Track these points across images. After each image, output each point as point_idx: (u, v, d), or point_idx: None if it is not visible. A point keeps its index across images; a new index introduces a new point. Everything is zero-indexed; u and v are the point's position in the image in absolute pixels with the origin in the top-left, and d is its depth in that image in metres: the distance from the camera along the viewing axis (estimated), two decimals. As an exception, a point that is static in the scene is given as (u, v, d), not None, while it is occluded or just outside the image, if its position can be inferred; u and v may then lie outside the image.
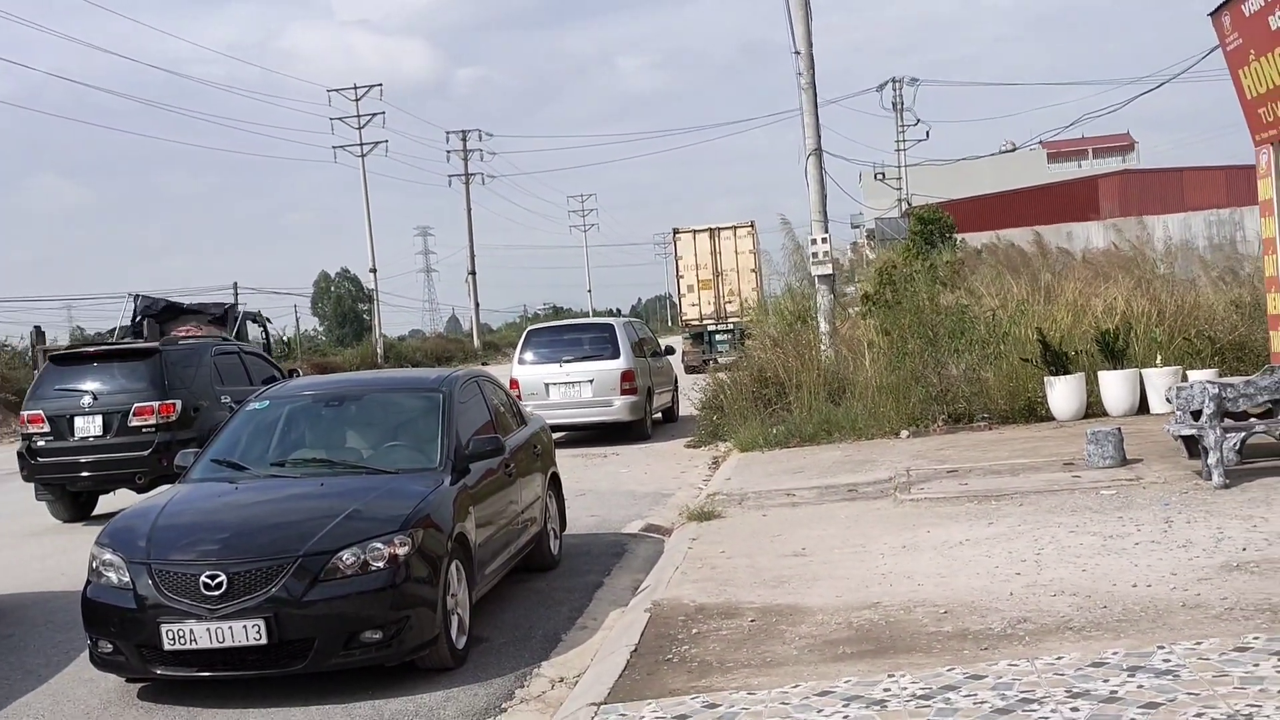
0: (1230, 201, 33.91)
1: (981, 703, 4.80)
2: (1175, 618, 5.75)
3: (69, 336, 37.61)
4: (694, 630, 6.38)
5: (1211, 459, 8.99)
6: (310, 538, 6.26)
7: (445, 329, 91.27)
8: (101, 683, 6.71)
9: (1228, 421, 9.21)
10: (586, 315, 67.40)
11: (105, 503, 13.35)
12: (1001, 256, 22.87)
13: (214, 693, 6.32)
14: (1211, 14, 11.47)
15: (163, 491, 7.75)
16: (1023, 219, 35.17)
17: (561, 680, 6.34)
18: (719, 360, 26.32)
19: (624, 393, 17.27)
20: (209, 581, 6.09)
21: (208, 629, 6.02)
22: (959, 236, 28.42)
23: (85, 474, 12.77)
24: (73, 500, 13.20)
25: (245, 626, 5.99)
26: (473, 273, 66.71)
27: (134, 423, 12.64)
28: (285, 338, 42.53)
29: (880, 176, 57.26)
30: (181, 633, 6.05)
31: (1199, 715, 4.43)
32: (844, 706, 4.94)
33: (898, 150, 55.20)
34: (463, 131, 67.57)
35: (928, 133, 56.71)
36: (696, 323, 31.64)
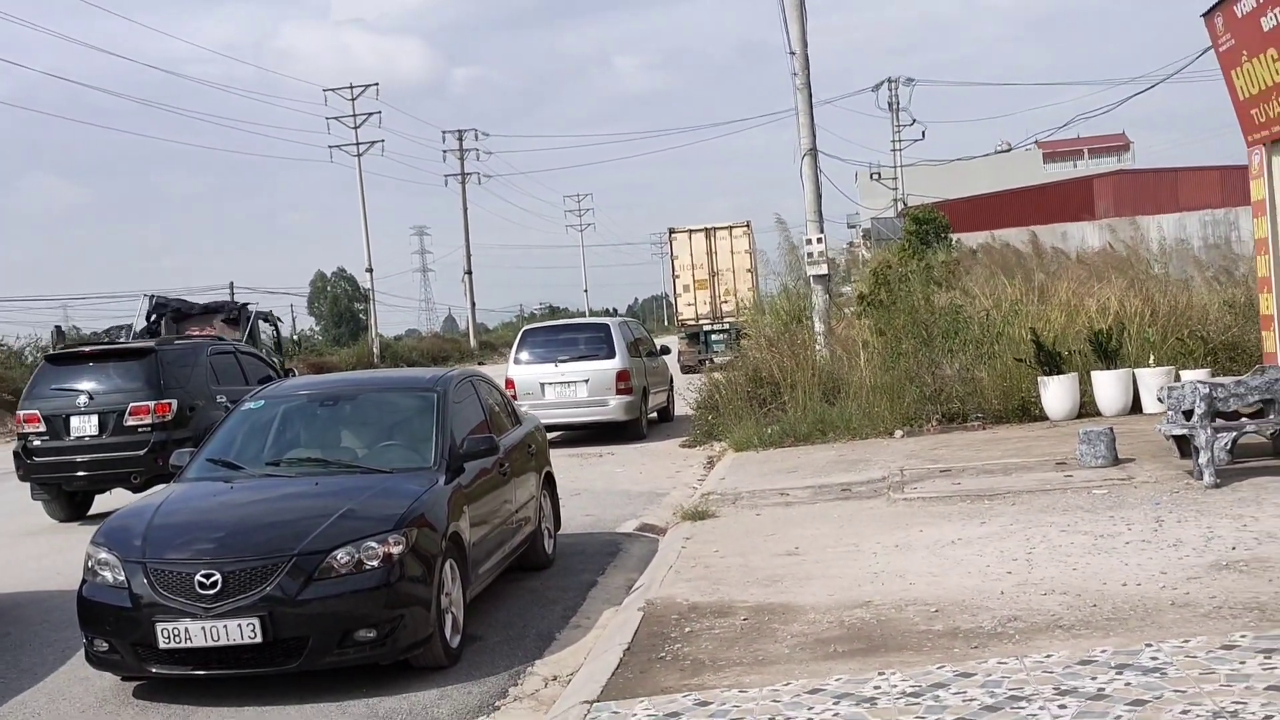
0: (1225, 202, 33.92)
1: (970, 700, 4.84)
2: (1164, 616, 5.79)
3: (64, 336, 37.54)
4: (687, 629, 6.41)
5: (1202, 458, 9.03)
6: (305, 537, 6.29)
7: (441, 329, 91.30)
8: (97, 681, 6.75)
9: (1219, 421, 9.26)
10: (583, 315, 67.49)
11: (101, 502, 13.36)
12: (996, 256, 22.90)
13: (209, 691, 6.35)
14: (1204, 15, 11.52)
15: (158, 491, 7.78)
16: (1018, 219, 35.19)
17: (555, 678, 6.38)
18: (715, 360, 26.34)
19: (619, 392, 17.31)
20: (204, 580, 6.12)
21: (203, 628, 6.05)
22: (954, 236, 28.41)
23: (81, 473, 12.79)
24: (68, 500, 13.21)
25: (240, 625, 6.02)
26: (469, 272, 66.75)
27: (130, 422, 12.67)
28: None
29: (876, 176, 57.35)
30: (176, 631, 6.08)
31: (1185, 712, 4.47)
32: (834, 704, 4.98)
33: (893, 150, 55.32)
34: (459, 131, 67.46)
35: (924, 133, 56.54)
36: (692, 322, 31.68)
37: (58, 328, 24.55)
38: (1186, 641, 5.32)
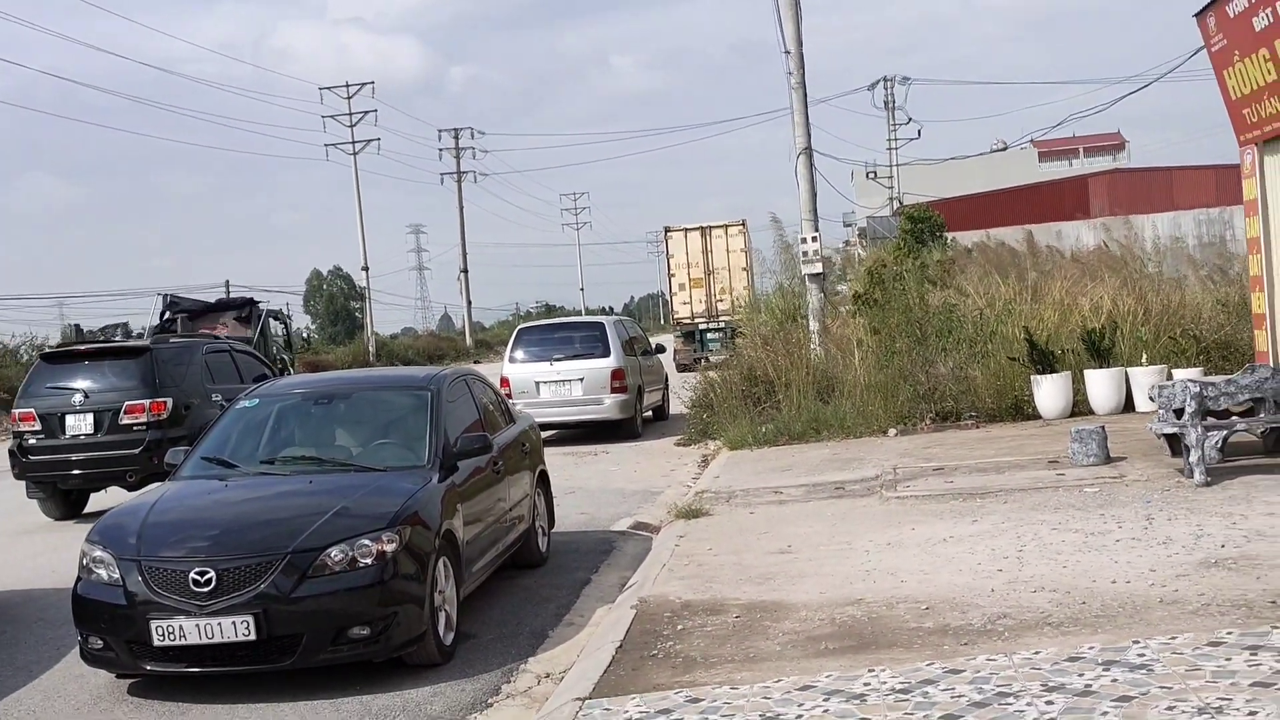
0: (1220, 201, 33.94)
1: (959, 697, 4.88)
2: (1152, 613, 5.83)
3: (59, 335, 37.55)
4: (679, 626, 6.45)
5: (1193, 457, 9.08)
6: (299, 534, 6.32)
7: (437, 327, 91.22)
8: (92, 679, 6.77)
9: (1210, 420, 9.30)
10: (579, 313, 67.47)
11: (96, 500, 13.38)
12: (991, 255, 22.94)
13: (203, 688, 6.38)
14: (1196, 15, 11.55)
15: (153, 489, 7.80)
16: (1013, 218, 35.21)
17: (548, 676, 6.41)
18: (710, 359, 26.38)
19: (614, 391, 17.34)
20: (198, 578, 6.15)
21: (197, 625, 6.08)
22: (949, 235, 28.43)
23: (76, 472, 12.81)
24: (64, 498, 13.24)
25: (234, 622, 6.06)
26: (465, 271, 66.73)
27: (125, 421, 12.69)
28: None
29: (872, 175, 57.43)
30: (171, 629, 6.11)
31: (1170, 708, 4.51)
32: (824, 701, 5.01)
33: (889, 149, 55.44)
34: (455, 129, 67.47)
35: (919, 132, 56.65)
36: (688, 321, 31.71)
37: (76, 325, 24.57)
38: (1174, 638, 5.36)
